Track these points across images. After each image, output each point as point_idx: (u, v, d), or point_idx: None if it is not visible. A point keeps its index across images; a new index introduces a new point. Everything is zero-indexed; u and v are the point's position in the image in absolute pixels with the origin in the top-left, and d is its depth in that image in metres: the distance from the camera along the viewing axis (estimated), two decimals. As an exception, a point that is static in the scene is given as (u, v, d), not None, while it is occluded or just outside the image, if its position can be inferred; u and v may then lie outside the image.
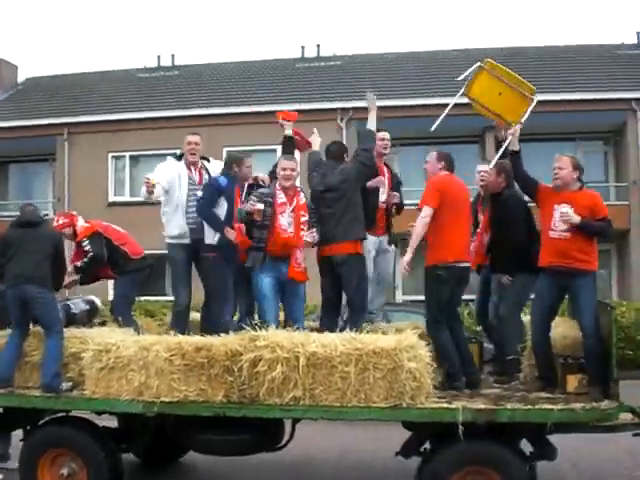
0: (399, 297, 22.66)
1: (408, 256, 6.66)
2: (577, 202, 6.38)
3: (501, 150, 7.01)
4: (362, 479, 8.15)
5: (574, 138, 22.60)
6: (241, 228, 7.27)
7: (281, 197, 7.13)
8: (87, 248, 7.61)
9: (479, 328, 12.30)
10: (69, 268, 7.74)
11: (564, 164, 6.53)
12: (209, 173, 8.00)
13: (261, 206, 6.96)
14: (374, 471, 8.30)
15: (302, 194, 7.31)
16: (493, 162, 7.27)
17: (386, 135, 8.04)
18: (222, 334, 6.44)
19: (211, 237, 7.46)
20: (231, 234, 7.22)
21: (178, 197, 7.85)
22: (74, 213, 8.06)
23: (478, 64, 7.11)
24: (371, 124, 7.41)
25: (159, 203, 8.11)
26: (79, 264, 7.68)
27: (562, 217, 6.30)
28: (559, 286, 6.48)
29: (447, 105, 7.45)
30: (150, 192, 7.72)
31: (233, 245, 7.29)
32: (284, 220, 7.06)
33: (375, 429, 7.90)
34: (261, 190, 7.35)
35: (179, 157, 8.15)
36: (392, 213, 8.02)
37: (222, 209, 7.40)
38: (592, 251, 6.44)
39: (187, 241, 7.84)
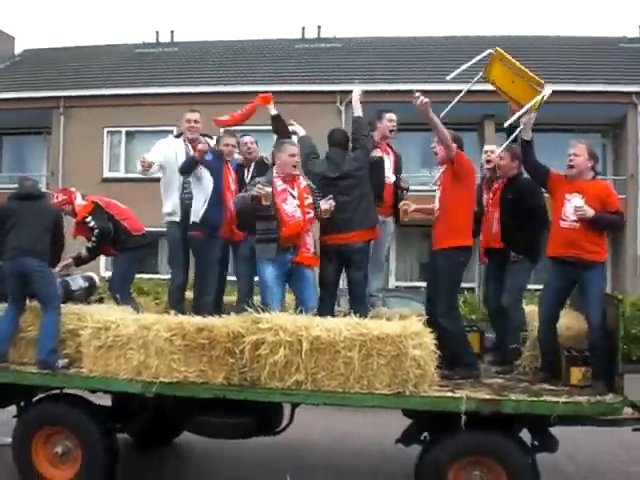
0: (392, 283, 22.65)
1: None
2: (589, 192, 6.27)
3: (512, 135, 6.86)
4: (361, 465, 8.11)
5: (573, 130, 22.48)
6: (232, 213, 7.34)
7: (280, 184, 6.83)
8: (92, 224, 7.48)
9: (474, 316, 12.30)
10: (83, 251, 7.68)
11: (580, 150, 6.39)
12: (211, 149, 7.90)
13: (269, 189, 6.63)
14: (373, 457, 8.27)
15: (301, 177, 7.03)
16: (503, 146, 7.12)
17: (394, 116, 7.94)
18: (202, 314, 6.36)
19: (196, 215, 7.42)
20: (203, 146, 7.30)
21: (174, 174, 7.81)
22: (72, 189, 7.92)
23: (489, 51, 6.96)
24: (357, 111, 7.38)
25: (158, 180, 8.10)
26: (89, 245, 7.57)
27: (577, 211, 6.19)
28: (568, 277, 6.39)
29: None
30: (145, 171, 7.78)
31: (219, 223, 7.30)
32: (288, 207, 6.76)
33: (375, 415, 7.85)
34: (257, 179, 7.03)
35: (178, 135, 8.16)
36: (400, 196, 7.85)
37: (207, 182, 7.37)
38: (602, 242, 6.36)
39: (178, 218, 7.82)
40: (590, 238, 6.24)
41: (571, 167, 6.40)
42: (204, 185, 7.40)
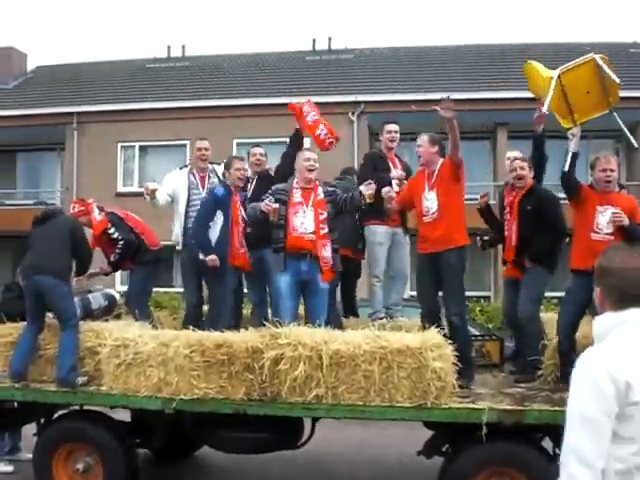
0: (407, 293, 22.57)
1: None
2: (619, 204, 6.30)
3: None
4: (377, 476, 8.08)
5: (585, 136, 22.11)
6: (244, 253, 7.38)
7: (297, 196, 6.85)
8: (115, 235, 7.52)
9: (491, 325, 12.22)
10: (106, 267, 7.78)
11: (615, 166, 6.42)
12: (218, 177, 7.99)
13: (276, 205, 6.68)
14: (390, 468, 8.22)
15: (320, 188, 7.01)
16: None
17: (393, 127, 7.91)
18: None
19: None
20: (213, 261, 7.03)
21: (178, 207, 7.96)
22: (90, 201, 7.95)
23: (592, 55, 6.69)
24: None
25: (169, 209, 8.28)
26: (112, 258, 7.60)
27: (614, 217, 6.18)
28: (592, 288, 6.34)
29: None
30: (151, 197, 7.89)
31: (224, 256, 7.14)
32: (297, 220, 6.77)
33: (391, 426, 7.83)
34: (276, 186, 7.03)
35: (182, 168, 8.32)
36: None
37: (217, 224, 7.19)
38: None
39: (179, 247, 7.93)
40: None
41: (608, 182, 6.40)
42: (214, 225, 7.25)
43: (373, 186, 6.79)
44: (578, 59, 6.60)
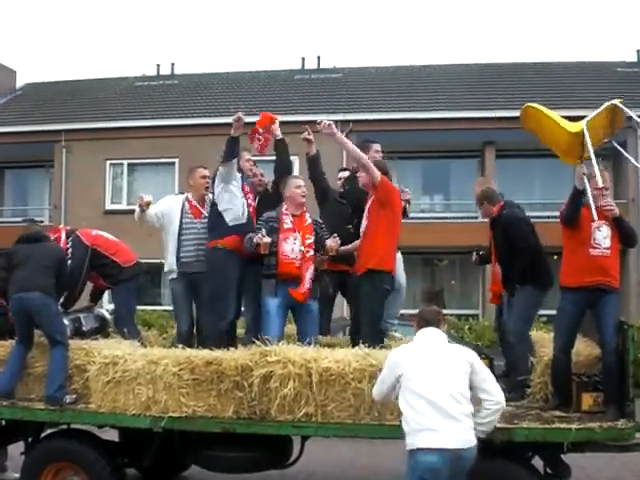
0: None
1: None
2: (609, 217, 6.43)
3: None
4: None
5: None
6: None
7: (287, 223, 6.99)
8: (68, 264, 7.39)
9: (480, 343, 12.21)
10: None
11: (609, 182, 6.56)
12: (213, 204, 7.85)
13: (268, 240, 6.78)
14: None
15: (307, 214, 7.19)
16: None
17: (379, 147, 7.94)
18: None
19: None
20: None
21: (170, 231, 7.77)
22: (60, 227, 7.99)
23: (613, 102, 6.67)
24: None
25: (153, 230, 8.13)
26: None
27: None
28: (585, 303, 6.42)
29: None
30: (142, 210, 7.66)
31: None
32: (288, 247, 6.90)
33: (380, 444, 7.77)
34: (267, 214, 7.15)
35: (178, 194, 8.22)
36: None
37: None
38: (615, 268, 6.48)
39: (175, 276, 7.73)
40: (616, 264, 6.42)
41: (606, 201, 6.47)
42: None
43: (338, 241, 7.03)
44: (601, 107, 6.59)
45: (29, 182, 25.98)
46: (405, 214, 7.82)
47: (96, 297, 8.17)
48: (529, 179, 21.47)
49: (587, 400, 6.16)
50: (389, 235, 6.89)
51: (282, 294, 6.89)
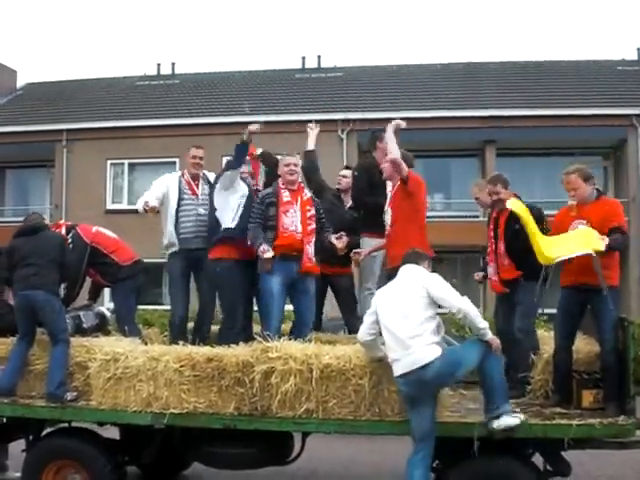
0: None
1: None
2: (593, 216, 6.30)
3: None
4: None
5: (573, 153, 22.53)
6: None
7: (286, 195, 7.03)
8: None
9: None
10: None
11: (575, 184, 6.40)
12: (209, 183, 7.94)
13: (270, 255, 6.73)
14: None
15: (306, 189, 7.30)
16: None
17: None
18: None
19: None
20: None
21: (169, 208, 7.86)
22: (60, 222, 8.00)
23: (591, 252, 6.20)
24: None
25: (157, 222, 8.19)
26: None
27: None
28: (582, 302, 6.40)
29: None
30: (146, 212, 7.74)
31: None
32: (288, 220, 6.93)
33: (382, 441, 7.79)
34: (263, 192, 7.26)
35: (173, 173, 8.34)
36: None
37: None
38: (614, 266, 6.38)
39: (176, 249, 7.81)
40: (613, 263, 6.32)
41: (575, 199, 6.45)
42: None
43: (345, 239, 7.17)
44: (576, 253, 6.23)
45: (30, 182, 26.02)
46: None
47: (95, 295, 8.18)
48: (530, 178, 21.38)
49: (587, 397, 6.17)
50: (419, 225, 7.11)
51: (281, 271, 6.87)
